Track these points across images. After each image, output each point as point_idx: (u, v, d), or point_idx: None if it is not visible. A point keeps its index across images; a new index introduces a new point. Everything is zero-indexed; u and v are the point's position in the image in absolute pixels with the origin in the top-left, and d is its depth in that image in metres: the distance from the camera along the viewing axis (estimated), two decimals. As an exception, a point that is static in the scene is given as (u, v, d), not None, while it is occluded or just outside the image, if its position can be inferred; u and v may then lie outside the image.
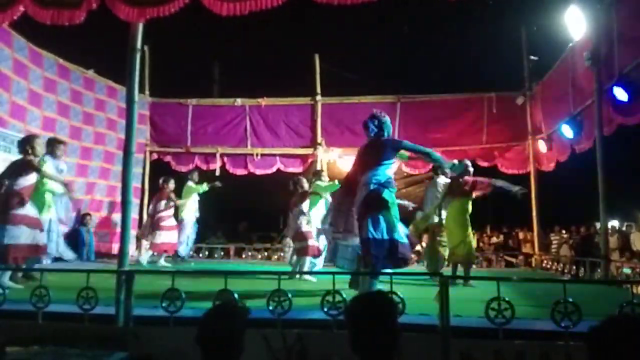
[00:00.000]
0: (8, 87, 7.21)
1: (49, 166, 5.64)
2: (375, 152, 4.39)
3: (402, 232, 4.26)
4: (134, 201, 8.68)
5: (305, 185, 7.25)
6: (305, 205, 7.05)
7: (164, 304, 3.58)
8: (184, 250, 8.98)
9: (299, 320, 3.57)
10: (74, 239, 8.69)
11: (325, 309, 3.45)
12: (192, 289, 4.12)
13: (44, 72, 8.09)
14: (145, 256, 8.42)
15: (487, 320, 3.27)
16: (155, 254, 8.41)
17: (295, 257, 7.21)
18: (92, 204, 9.33)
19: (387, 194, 4.24)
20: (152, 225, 8.30)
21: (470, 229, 6.35)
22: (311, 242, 6.89)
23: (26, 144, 5.44)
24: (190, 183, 8.97)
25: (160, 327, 3.59)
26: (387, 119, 4.59)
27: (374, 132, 4.51)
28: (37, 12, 4.37)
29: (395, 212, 4.28)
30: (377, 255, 4.10)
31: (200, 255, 10.12)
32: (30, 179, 5.30)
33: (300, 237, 6.96)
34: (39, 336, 3.55)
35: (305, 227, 6.95)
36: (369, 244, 4.12)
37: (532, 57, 9.32)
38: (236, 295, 3.57)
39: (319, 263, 7.09)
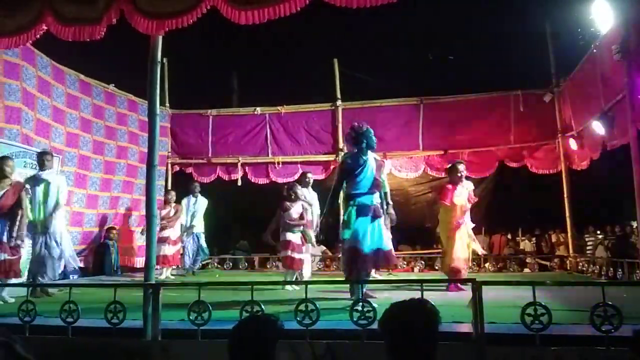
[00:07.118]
0: (33, 106, 7.31)
1: None
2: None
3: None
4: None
5: (299, 192, 7.03)
6: (292, 213, 6.86)
7: (191, 317, 3.55)
8: (187, 262, 9.04)
9: (327, 331, 3.50)
10: (100, 253, 8.80)
11: (355, 319, 3.37)
12: (217, 301, 4.10)
13: (67, 88, 8.18)
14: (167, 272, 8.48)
15: (523, 327, 3.17)
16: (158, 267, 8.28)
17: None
18: (116, 218, 9.42)
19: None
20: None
21: None
22: (292, 253, 6.72)
23: None
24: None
25: (188, 339, 3.58)
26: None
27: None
28: (59, 30, 4.44)
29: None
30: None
31: (225, 266, 10.11)
32: None
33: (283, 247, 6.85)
34: (70, 351, 3.57)
35: (289, 237, 6.78)
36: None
37: None
38: (262, 306, 3.53)
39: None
